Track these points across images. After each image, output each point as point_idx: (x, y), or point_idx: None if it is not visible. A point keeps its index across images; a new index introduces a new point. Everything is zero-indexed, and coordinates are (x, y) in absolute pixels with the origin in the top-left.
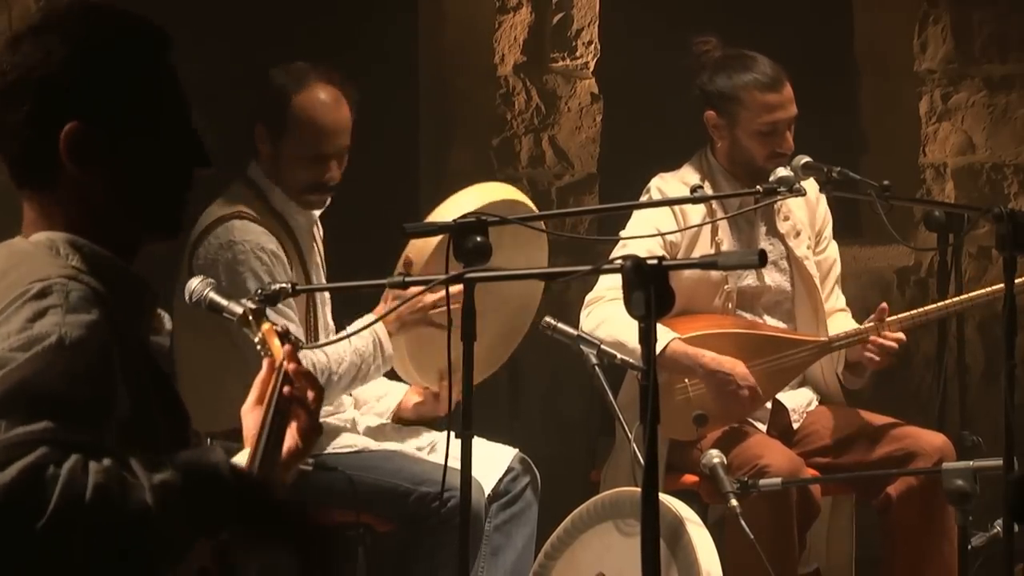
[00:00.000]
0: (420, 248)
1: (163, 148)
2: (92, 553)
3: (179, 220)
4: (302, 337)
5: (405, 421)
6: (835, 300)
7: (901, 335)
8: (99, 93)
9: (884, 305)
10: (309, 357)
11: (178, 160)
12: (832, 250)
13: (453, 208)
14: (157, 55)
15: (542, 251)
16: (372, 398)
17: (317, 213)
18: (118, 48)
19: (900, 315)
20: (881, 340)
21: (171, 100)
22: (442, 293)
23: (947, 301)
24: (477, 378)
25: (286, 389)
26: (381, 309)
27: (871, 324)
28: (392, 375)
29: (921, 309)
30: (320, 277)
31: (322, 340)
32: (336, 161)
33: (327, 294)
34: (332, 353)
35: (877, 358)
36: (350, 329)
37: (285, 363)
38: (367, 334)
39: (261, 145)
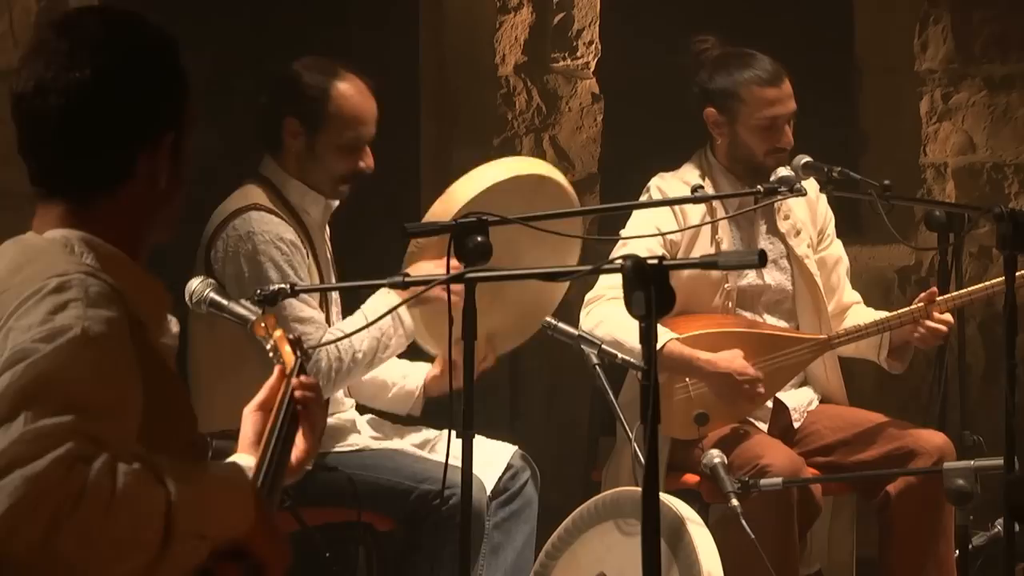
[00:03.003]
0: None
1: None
2: (114, 551)
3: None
4: (321, 323)
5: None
6: (849, 294)
7: (949, 318)
8: (172, 101)
9: (934, 288)
10: (330, 339)
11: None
12: (836, 247)
13: (479, 178)
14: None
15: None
16: (399, 377)
17: (334, 204)
18: (172, 55)
19: (949, 295)
20: (931, 324)
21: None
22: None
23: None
24: (510, 346)
25: (298, 394)
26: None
27: (920, 305)
28: (408, 354)
29: (968, 289)
30: (330, 273)
31: (329, 334)
32: (369, 149)
33: (336, 293)
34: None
35: (929, 338)
36: (367, 311)
37: (295, 375)
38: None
39: (292, 139)
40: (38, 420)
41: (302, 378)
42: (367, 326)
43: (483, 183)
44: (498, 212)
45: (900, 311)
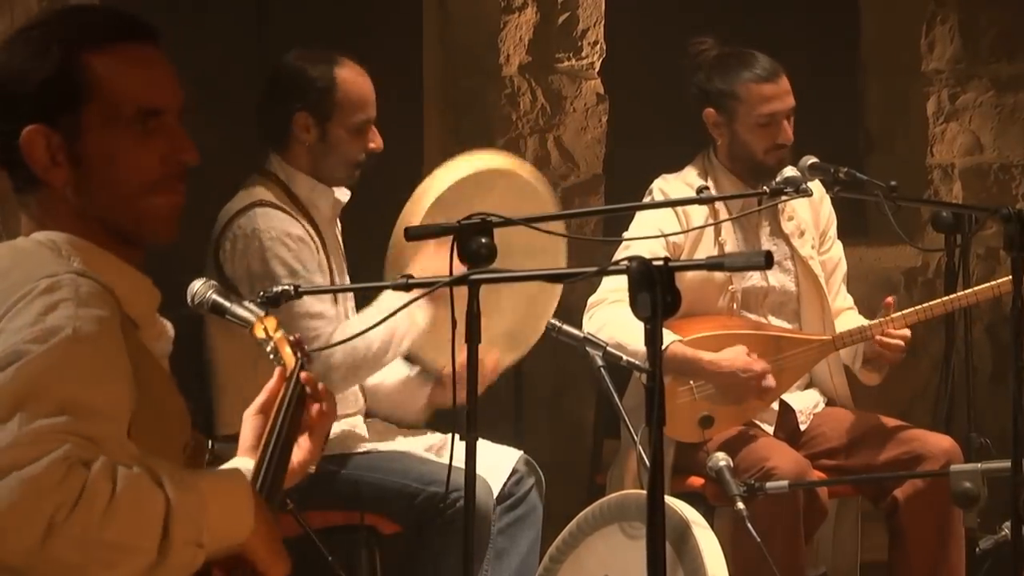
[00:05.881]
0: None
1: (137, 143)
2: (111, 555)
3: (168, 219)
4: (333, 317)
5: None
6: (842, 299)
7: (906, 332)
8: (51, 94)
9: (889, 299)
10: (342, 336)
11: (158, 155)
12: (837, 249)
13: (442, 178)
14: (116, 44)
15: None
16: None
17: (343, 199)
18: (69, 44)
19: (905, 311)
20: (886, 339)
21: (143, 92)
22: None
23: (952, 296)
24: (513, 359)
25: (308, 390)
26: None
27: (877, 321)
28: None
29: (925, 304)
30: (342, 269)
31: (342, 330)
32: (375, 129)
33: (347, 283)
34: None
35: (888, 353)
36: (381, 305)
37: (299, 374)
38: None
39: (304, 133)
40: (33, 421)
41: (310, 377)
42: (381, 321)
43: (444, 184)
44: (466, 209)
45: (860, 324)
